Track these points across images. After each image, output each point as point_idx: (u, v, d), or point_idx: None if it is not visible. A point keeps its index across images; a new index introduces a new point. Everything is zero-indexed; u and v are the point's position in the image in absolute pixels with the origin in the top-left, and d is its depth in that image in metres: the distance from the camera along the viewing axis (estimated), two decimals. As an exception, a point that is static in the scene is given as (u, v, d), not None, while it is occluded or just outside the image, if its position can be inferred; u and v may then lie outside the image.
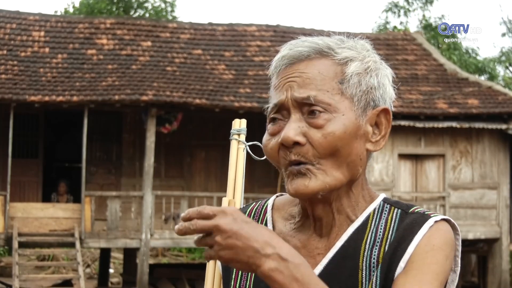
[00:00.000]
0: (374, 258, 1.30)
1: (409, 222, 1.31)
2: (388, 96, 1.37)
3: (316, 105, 1.29)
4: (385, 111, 1.35)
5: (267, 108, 1.38)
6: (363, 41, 1.39)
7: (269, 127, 1.35)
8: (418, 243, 1.27)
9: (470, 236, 15.39)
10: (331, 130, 1.28)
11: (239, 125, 1.58)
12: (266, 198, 1.50)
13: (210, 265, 1.52)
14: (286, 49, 1.37)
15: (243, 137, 1.57)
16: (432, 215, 1.31)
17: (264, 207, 1.46)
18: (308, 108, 1.29)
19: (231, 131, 1.55)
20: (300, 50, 1.34)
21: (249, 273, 1.39)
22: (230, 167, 1.53)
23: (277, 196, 1.48)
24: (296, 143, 1.29)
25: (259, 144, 1.45)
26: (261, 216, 1.44)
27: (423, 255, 1.27)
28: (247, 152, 1.50)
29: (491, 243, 15.86)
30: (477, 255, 17.02)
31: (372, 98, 1.34)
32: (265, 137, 1.35)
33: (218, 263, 1.47)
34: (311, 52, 1.33)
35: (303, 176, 1.29)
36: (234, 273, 1.41)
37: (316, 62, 1.32)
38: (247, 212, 1.46)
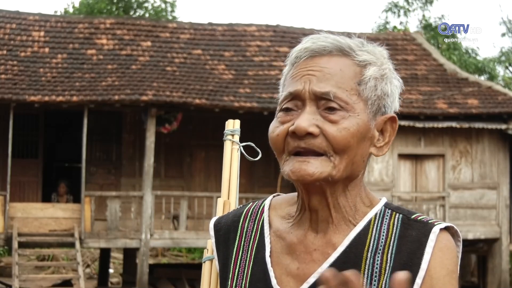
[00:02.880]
0: (376, 267, 1.30)
1: (415, 234, 1.32)
2: (394, 106, 1.39)
3: (334, 101, 1.30)
4: (392, 119, 1.37)
5: (280, 96, 1.37)
6: (381, 48, 1.41)
7: (280, 115, 1.34)
8: (431, 261, 1.29)
9: (470, 236, 15.39)
10: (346, 126, 1.30)
11: (233, 125, 1.57)
12: (263, 198, 1.49)
13: (205, 265, 1.51)
14: (309, 42, 1.36)
15: (237, 138, 1.56)
16: (436, 223, 1.32)
17: (261, 207, 1.45)
18: (324, 103, 1.30)
19: (225, 131, 1.53)
20: (324, 44, 1.34)
21: (245, 273, 1.39)
22: (224, 168, 1.52)
23: (274, 196, 1.48)
24: (308, 134, 1.29)
25: (253, 145, 1.44)
26: (258, 216, 1.44)
27: (441, 280, 1.30)
28: (241, 153, 1.49)
29: (491, 243, 15.86)
30: (477, 255, 17.02)
31: (384, 104, 1.36)
32: (274, 124, 1.35)
33: (215, 262, 1.47)
34: (333, 48, 1.34)
35: (308, 163, 1.30)
36: (231, 273, 1.41)
37: (337, 60, 1.34)
38: (244, 212, 1.46)
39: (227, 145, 1.54)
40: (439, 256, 1.30)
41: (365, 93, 1.33)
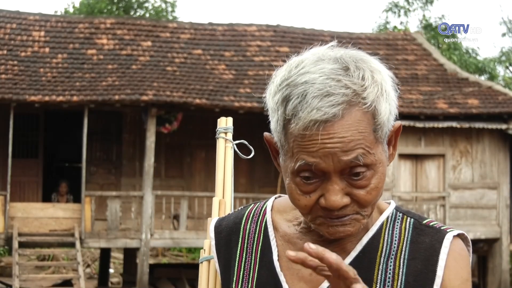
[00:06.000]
0: (389, 273, 1.30)
1: (428, 241, 1.31)
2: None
3: (361, 166, 1.23)
4: (398, 127, 1.33)
5: (286, 154, 1.26)
6: (365, 55, 1.28)
7: (299, 182, 1.25)
8: (446, 271, 1.29)
9: (470, 236, 15.18)
10: (374, 185, 1.24)
11: (226, 123, 1.55)
12: (265, 199, 1.47)
13: (203, 266, 1.49)
14: (314, 110, 1.20)
15: (230, 136, 1.54)
16: (448, 230, 1.32)
17: (263, 209, 1.43)
18: (350, 169, 1.23)
19: (217, 129, 1.51)
20: (334, 112, 1.19)
21: (251, 275, 1.38)
22: (218, 166, 1.50)
23: (275, 198, 1.46)
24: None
25: (245, 142, 1.42)
26: (260, 217, 1.43)
27: None
28: (234, 150, 1.47)
29: (491, 243, 15.86)
30: (477, 255, 17.02)
31: (391, 123, 1.30)
32: (293, 189, 1.27)
33: (216, 264, 1.45)
34: (344, 108, 1.20)
35: (344, 225, 1.26)
36: (235, 275, 1.39)
37: (350, 120, 1.21)
38: (246, 214, 1.44)
39: (220, 143, 1.52)
40: (454, 266, 1.30)
41: (382, 135, 1.26)
